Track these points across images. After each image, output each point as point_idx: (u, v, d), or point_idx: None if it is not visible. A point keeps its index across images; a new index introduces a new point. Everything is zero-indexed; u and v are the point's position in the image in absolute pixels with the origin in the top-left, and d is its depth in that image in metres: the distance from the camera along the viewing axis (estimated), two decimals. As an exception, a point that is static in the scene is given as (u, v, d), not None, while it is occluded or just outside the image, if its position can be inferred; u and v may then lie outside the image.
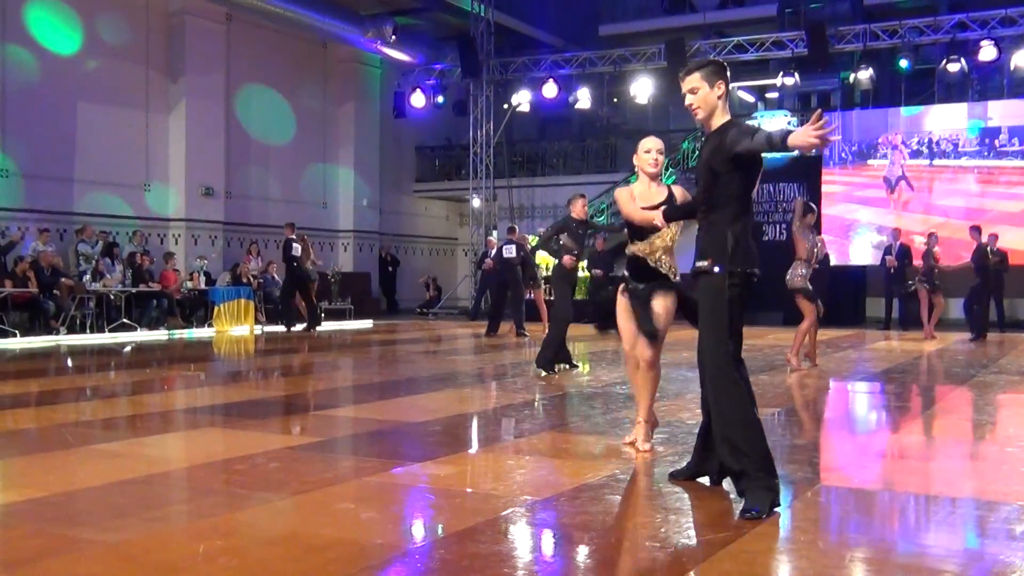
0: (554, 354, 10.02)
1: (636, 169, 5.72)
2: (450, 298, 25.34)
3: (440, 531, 4.00)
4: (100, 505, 4.35)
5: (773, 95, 23.67)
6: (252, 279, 18.59)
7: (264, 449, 5.55)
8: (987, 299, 16.23)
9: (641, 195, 5.57)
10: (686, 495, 4.56)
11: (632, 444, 5.72)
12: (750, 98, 23.26)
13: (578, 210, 9.99)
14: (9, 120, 16.29)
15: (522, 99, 22.79)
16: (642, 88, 21.34)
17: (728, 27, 23.35)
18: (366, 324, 18.87)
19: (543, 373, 9.82)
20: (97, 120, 18.06)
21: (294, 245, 17.12)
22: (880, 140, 20.49)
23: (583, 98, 22.14)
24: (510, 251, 16.57)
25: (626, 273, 5.66)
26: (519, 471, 5.09)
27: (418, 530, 4.10)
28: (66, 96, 17.54)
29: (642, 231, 5.48)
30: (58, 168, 17.36)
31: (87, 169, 17.83)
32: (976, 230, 16.42)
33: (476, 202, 23.86)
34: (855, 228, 20.58)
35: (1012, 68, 18.63)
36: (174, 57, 19.39)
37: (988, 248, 16.42)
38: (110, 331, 15.59)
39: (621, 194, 5.60)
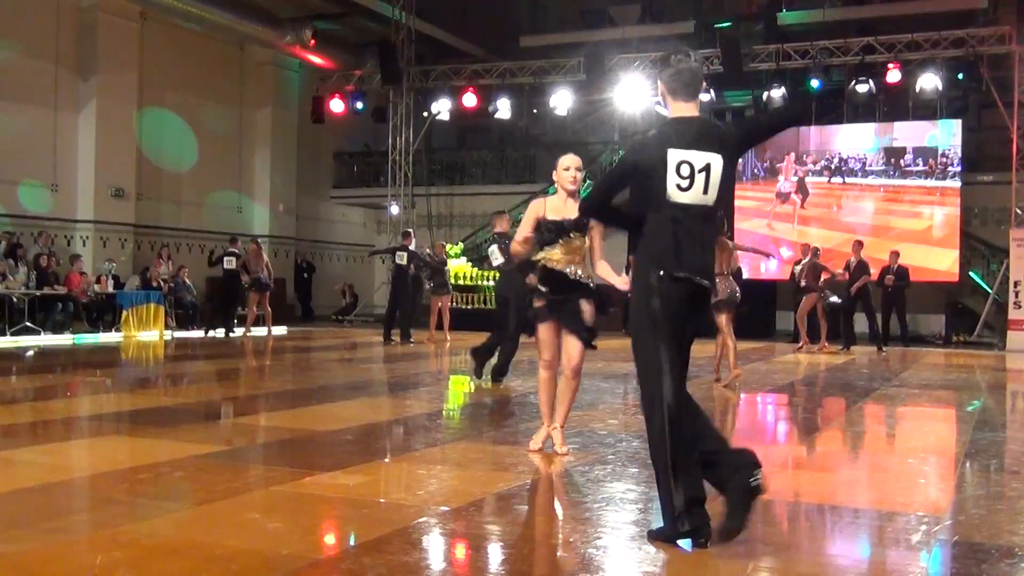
0: (500, 363, 9.92)
1: (555, 184, 5.82)
2: (366, 305, 25.14)
3: (350, 541, 3.95)
4: (-5, 515, 4.20)
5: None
6: (163, 283, 18.19)
7: (170, 458, 5.43)
8: (865, 312, 16.85)
9: (556, 209, 5.77)
10: (596, 505, 4.59)
11: (539, 451, 5.82)
12: (665, 112, 23.64)
13: (503, 225, 10.10)
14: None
15: (442, 107, 22.76)
16: (562, 100, 21.49)
17: (646, 42, 23.68)
18: (280, 331, 18.61)
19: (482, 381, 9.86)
20: (2, 117, 17.49)
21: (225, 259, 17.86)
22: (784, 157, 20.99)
23: (503, 108, 22.20)
24: (401, 258, 16.64)
25: (541, 287, 5.72)
26: (431, 480, 5.06)
27: (327, 540, 4.05)
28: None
29: (551, 240, 5.65)
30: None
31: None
32: (858, 244, 17.00)
33: (394, 209, 23.74)
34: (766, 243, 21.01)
35: (917, 90, 19.23)
36: (85, 55, 18.89)
37: (893, 267, 17.02)
38: (12, 335, 15.09)
39: (531, 208, 5.77)
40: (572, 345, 5.75)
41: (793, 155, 20.92)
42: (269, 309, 17.83)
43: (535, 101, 22.84)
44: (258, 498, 4.57)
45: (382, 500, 4.63)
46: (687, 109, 4.02)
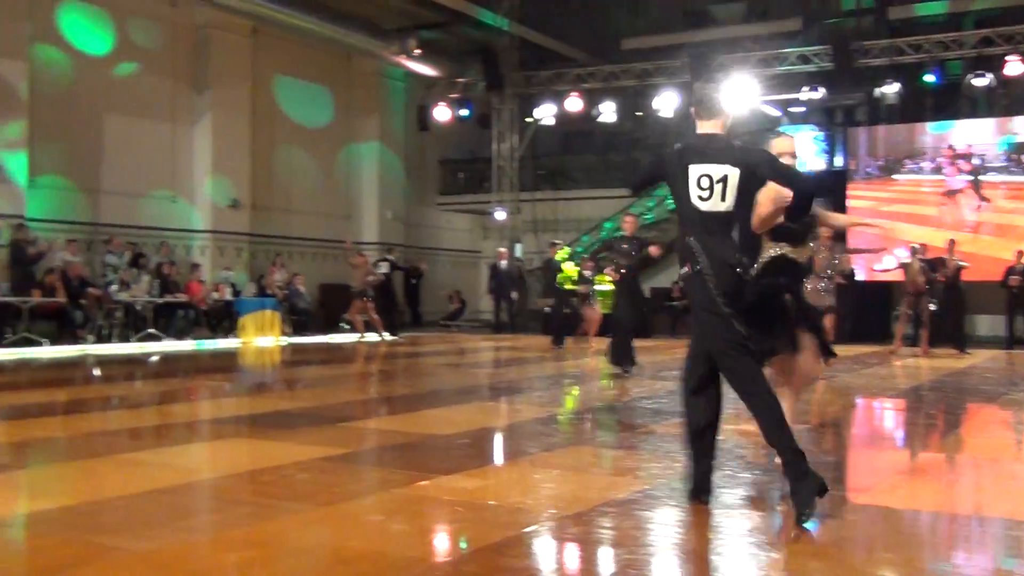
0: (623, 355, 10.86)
1: None
2: (473, 311, 25.33)
3: (468, 545, 3.98)
4: (130, 514, 4.36)
5: (798, 109, 23.59)
6: (277, 290, 18.66)
7: (292, 460, 5.55)
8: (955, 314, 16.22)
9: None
10: (716, 511, 4.53)
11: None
12: (775, 112, 23.19)
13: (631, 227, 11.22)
14: (39, 132, 16.43)
15: (545, 112, 22.81)
16: (666, 102, 21.31)
17: (751, 41, 23.31)
18: (389, 337, 18.87)
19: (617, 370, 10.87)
20: (124, 131, 18.18)
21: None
22: (927, 155, 20.27)
23: (606, 112, 22.14)
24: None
25: (778, 278, 5.52)
26: (548, 485, 5.07)
27: (446, 543, 4.09)
28: (94, 107, 17.67)
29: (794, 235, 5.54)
30: (86, 179, 17.48)
31: (114, 180, 17.94)
32: (952, 243, 16.41)
33: (499, 215, 23.89)
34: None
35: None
36: (200, 70, 19.52)
37: (1018, 266, 16.48)
38: (137, 341, 15.68)
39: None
40: (809, 353, 5.63)
41: (951, 151, 20.07)
42: (376, 316, 18.07)
43: (638, 104, 22.71)
44: (380, 500, 4.64)
45: (500, 504, 4.66)
46: (709, 126, 4.65)
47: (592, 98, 22.26)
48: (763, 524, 4.36)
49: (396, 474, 5.26)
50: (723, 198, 4.46)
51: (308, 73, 22.05)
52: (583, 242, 23.74)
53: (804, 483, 4.21)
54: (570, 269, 16.93)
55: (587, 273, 17.18)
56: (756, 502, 4.75)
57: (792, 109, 23.40)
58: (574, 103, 22.08)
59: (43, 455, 5.89)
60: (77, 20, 17.30)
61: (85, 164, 17.50)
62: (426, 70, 23.12)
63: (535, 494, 4.90)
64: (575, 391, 10.18)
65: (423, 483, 4.99)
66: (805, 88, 20.42)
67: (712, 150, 4.52)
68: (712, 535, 4.18)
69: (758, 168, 4.51)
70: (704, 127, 4.65)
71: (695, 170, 4.49)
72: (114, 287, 15.97)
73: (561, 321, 16.87)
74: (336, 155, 23.14)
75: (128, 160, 18.18)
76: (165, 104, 19.07)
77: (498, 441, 6.97)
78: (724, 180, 4.45)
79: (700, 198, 4.47)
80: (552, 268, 16.92)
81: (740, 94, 20.55)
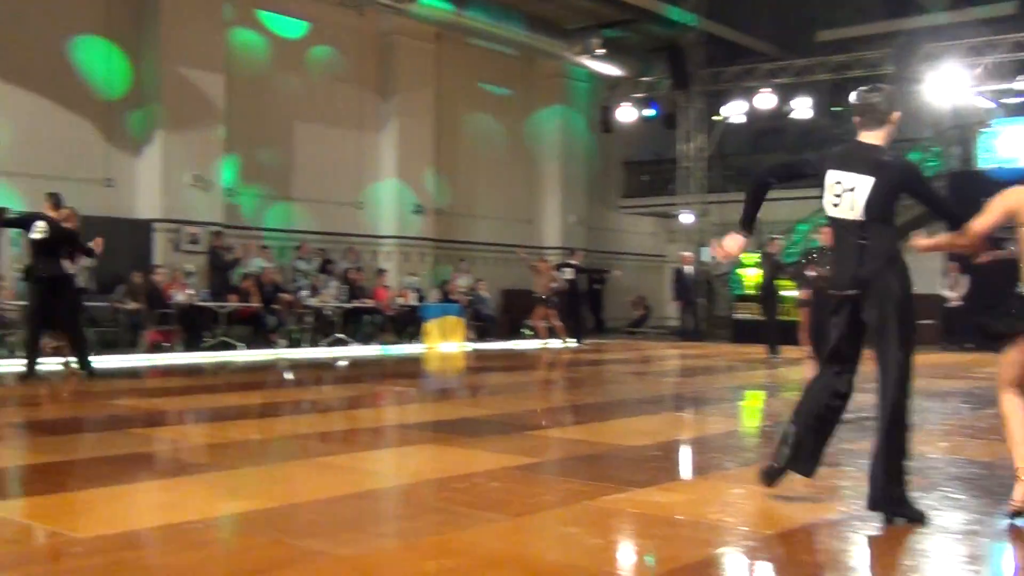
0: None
1: None
2: (659, 317, 25.10)
3: (665, 563, 3.91)
4: (328, 517, 4.51)
5: (1013, 100, 22.25)
6: (461, 296, 19.03)
7: (483, 468, 5.62)
8: None
9: None
10: (930, 535, 4.28)
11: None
12: (988, 104, 21.96)
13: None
14: (234, 142, 17.33)
15: (734, 110, 22.38)
16: (866, 96, 20.49)
17: (960, 28, 22.14)
18: (573, 343, 18.90)
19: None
20: (314, 139, 18.97)
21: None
22: None
23: (800, 108, 21.50)
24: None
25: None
26: (748, 501, 4.93)
27: (649, 559, 4.03)
28: (285, 117, 18.51)
29: None
30: (278, 187, 18.33)
31: (304, 187, 18.75)
32: None
33: (685, 218, 23.58)
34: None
35: None
36: (386, 77, 20.14)
37: None
38: (326, 346, 16.31)
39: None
40: None
41: None
42: (557, 323, 18.15)
43: (835, 98, 21.94)
44: (574, 512, 4.63)
45: (697, 520, 4.56)
46: (867, 136, 4.63)
47: (784, 94, 21.69)
48: (983, 552, 4.10)
49: (587, 485, 5.24)
50: (852, 207, 4.51)
51: (490, 77, 22.42)
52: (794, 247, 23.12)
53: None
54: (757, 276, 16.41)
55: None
56: (975, 526, 4.47)
57: (1006, 100, 22.07)
58: (765, 99, 21.57)
59: (240, 457, 6.18)
60: (269, 33, 18.15)
61: (277, 172, 18.35)
62: (609, 70, 23.08)
63: (733, 511, 4.78)
64: (769, 402, 9.90)
65: (616, 496, 4.95)
66: (1020, 77, 19.24)
67: (853, 158, 4.56)
68: (925, 561, 3.95)
69: (902, 184, 4.53)
70: (866, 137, 4.63)
71: (831, 176, 4.58)
72: (304, 292, 16.69)
73: (776, 326, 15.41)
74: (518, 159, 23.41)
75: (317, 167, 18.95)
76: (353, 111, 19.77)
77: (690, 454, 6.86)
78: (853, 190, 4.50)
79: (833, 204, 4.58)
80: (773, 264, 15.42)
81: (949, 86, 19.57)
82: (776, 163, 5.23)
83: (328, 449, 6.60)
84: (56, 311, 10.43)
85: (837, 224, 4.63)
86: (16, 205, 12.58)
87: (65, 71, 15.49)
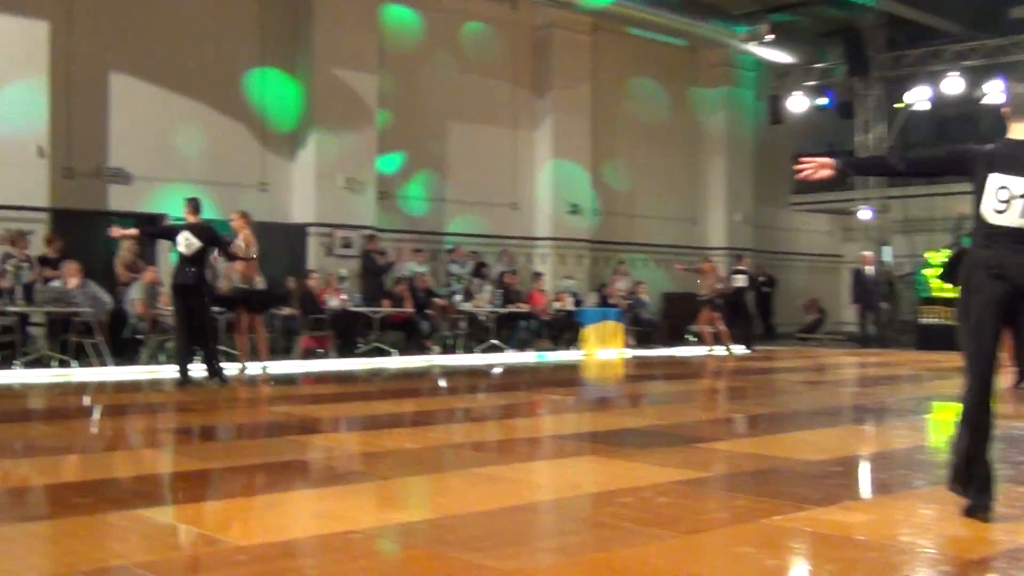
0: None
1: None
2: (834, 322, 24.40)
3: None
4: (488, 530, 4.54)
5: None
6: (620, 300, 18.95)
7: (649, 482, 5.57)
8: None
9: None
10: None
11: None
12: None
13: None
14: (388, 145, 17.73)
15: (918, 97, 21.57)
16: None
17: None
18: (741, 350, 18.58)
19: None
20: (467, 139, 19.24)
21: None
22: None
23: (992, 92, 20.55)
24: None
25: None
26: (945, 524, 4.71)
27: (829, 583, 3.90)
28: (438, 117, 18.84)
29: None
30: (430, 188, 18.66)
31: (457, 188, 19.04)
32: None
33: (864, 214, 22.86)
34: None
35: None
36: (541, 72, 20.26)
37: None
38: (480, 352, 16.51)
39: None
40: None
41: None
42: (722, 328, 17.89)
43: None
44: (747, 530, 4.53)
45: (888, 543, 4.39)
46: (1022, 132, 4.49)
47: (974, 78, 20.78)
48: None
49: (760, 502, 5.12)
50: (1021, 215, 4.35)
51: (650, 69, 22.25)
52: (964, 244, 22.16)
53: None
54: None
55: None
56: None
57: None
58: (953, 84, 20.73)
59: (396, 466, 6.29)
60: (419, 29, 18.49)
61: (430, 173, 18.68)
62: (779, 56, 22.58)
63: (923, 533, 4.59)
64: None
65: (792, 514, 4.82)
66: None
67: (1019, 160, 4.41)
68: None
69: None
70: (1018, 132, 4.52)
71: (995, 180, 4.41)
72: (458, 297, 16.94)
73: None
74: (680, 154, 23.17)
75: (471, 168, 19.22)
76: (507, 109, 19.97)
77: (874, 470, 6.62)
78: None
79: (996, 211, 4.40)
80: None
81: None
82: (922, 155, 5.14)
83: (484, 459, 6.65)
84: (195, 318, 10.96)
85: (998, 232, 4.42)
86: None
87: (218, 77, 16.18)
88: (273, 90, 16.72)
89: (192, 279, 10.81)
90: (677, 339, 19.77)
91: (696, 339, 18.91)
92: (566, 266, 20.24)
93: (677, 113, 22.98)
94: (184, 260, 10.91)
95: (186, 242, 10.76)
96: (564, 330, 18.26)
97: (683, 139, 23.24)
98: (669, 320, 20.90)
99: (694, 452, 6.90)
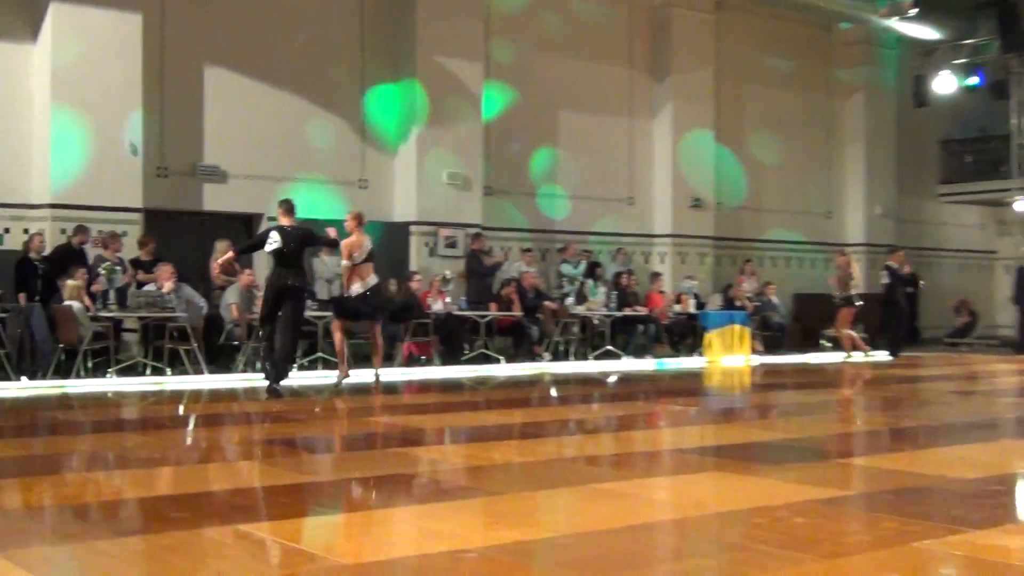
0: None
1: None
2: (988, 325, 23.69)
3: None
4: (611, 551, 4.52)
5: None
6: (747, 302, 18.70)
7: (784, 500, 5.47)
8: None
9: None
10: None
11: None
12: None
13: None
14: (495, 138, 17.79)
15: (1083, 74, 20.84)
16: None
17: None
18: (883, 356, 18.16)
19: None
20: (579, 129, 19.18)
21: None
22: None
23: None
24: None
25: None
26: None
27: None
28: (548, 107, 18.81)
29: None
30: (541, 183, 18.62)
31: (569, 183, 18.99)
32: None
33: (1021, 206, 22.15)
34: None
35: None
36: (659, 55, 20.10)
37: None
38: (594, 359, 16.46)
39: None
40: None
41: None
42: (852, 333, 17.55)
43: None
44: (895, 555, 4.41)
45: (1055, 570, 4.24)
46: None
47: None
48: None
49: (909, 524, 4.98)
50: None
51: (780, 49, 21.90)
52: None
53: None
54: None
55: None
56: None
57: None
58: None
59: (505, 481, 6.31)
60: (527, 13, 18.52)
61: (540, 167, 18.69)
62: (924, 32, 22.03)
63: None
64: None
65: (945, 538, 4.68)
66: None
67: None
68: None
69: None
70: None
71: None
72: (570, 300, 16.88)
73: None
74: (814, 142, 22.75)
75: (583, 160, 19.15)
76: (622, 96, 19.86)
77: (1039, 490, 6.41)
78: None
79: None
80: None
81: None
82: None
83: (599, 474, 6.64)
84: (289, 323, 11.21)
85: None
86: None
87: (316, 70, 16.46)
88: (373, 82, 16.95)
89: (291, 280, 11.03)
90: (810, 344, 19.42)
91: (832, 344, 18.55)
92: (687, 265, 20.03)
93: (810, 97, 22.57)
94: (280, 261, 11.14)
95: (278, 242, 10.96)
96: (685, 335, 18.08)
97: (817, 126, 22.81)
98: (801, 324, 20.53)
99: (832, 468, 6.77)
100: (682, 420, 10.08)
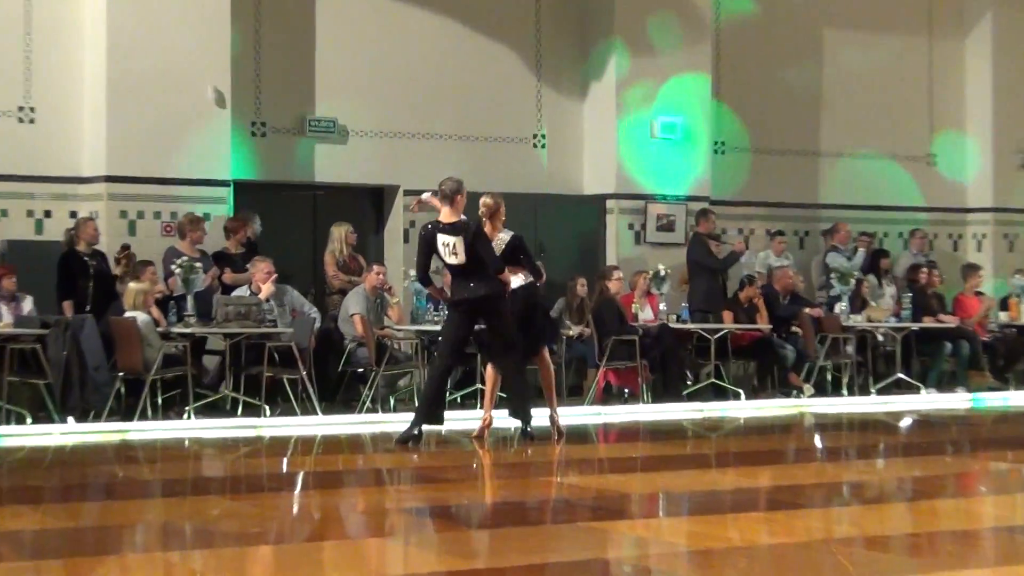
0: None
1: None
2: None
3: None
4: None
5: None
6: None
7: None
8: None
9: None
10: None
11: None
12: None
13: None
14: (725, 85, 17.59)
15: None
16: None
17: None
18: None
19: None
20: (852, 58, 18.78)
21: None
22: None
23: None
24: None
25: None
26: None
27: None
28: (807, 25, 18.50)
29: None
30: (797, 136, 18.33)
31: (836, 135, 18.64)
32: None
33: None
34: None
35: None
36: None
37: None
38: (878, 392, 16.12)
39: None
40: None
41: None
42: None
43: None
44: None
45: None
46: None
47: None
48: None
49: None
50: None
51: None
52: None
53: None
54: None
55: None
56: None
57: None
58: None
59: (748, 573, 6.22)
60: None
61: (796, 111, 18.39)
62: None
63: None
64: None
65: None
66: None
67: None
68: None
69: None
70: None
71: None
72: (842, 305, 16.44)
73: None
74: None
75: (858, 101, 18.82)
76: (916, 7, 19.42)
77: None
78: None
79: None
80: None
81: None
82: None
83: (888, 564, 6.46)
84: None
85: None
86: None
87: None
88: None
89: (479, 291, 10.92)
90: None
91: None
92: (1017, 254, 19.48)
93: None
94: (459, 271, 11.11)
95: (447, 249, 10.86)
96: (1016, 357, 17.57)
97: None
98: None
99: None
100: (1012, 485, 9.88)
